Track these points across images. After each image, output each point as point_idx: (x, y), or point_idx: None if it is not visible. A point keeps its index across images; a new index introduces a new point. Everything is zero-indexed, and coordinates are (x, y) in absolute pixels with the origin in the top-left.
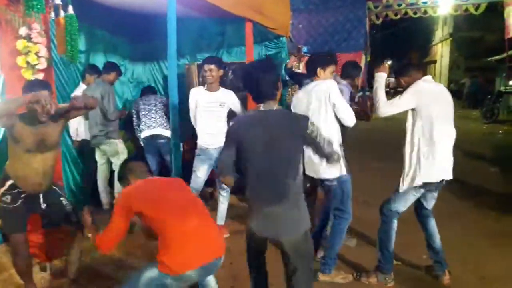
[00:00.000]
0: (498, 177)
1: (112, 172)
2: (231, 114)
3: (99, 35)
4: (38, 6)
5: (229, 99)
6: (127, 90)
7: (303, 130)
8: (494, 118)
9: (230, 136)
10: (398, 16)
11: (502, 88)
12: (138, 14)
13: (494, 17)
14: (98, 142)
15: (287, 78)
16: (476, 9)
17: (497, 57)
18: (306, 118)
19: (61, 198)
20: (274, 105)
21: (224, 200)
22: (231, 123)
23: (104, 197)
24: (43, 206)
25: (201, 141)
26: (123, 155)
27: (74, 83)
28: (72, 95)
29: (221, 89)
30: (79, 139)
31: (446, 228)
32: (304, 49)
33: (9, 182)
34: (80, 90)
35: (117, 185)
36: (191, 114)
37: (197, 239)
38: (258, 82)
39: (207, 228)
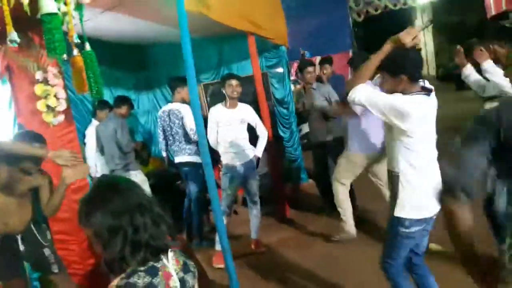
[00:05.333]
0: None
1: None
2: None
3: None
4: (60, 48)
5: (249, 114)
6: (135, 120)
7: None
8: None
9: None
10: (379, 11)
11: None
12: (133, 45)
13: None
14: None
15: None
16: None
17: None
18: None
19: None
20: None
21: (258, 214)
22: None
23: None
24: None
25: (226, 159)
26: (145, 186)
27: (85, 121)
28: (86, 132)
29: (239, 104)
30: (98, 176)
31: None
32: (307, 53)
33: None
34: (93, 127)
35: None
36: (211, 133)
37: None
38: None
39: None
